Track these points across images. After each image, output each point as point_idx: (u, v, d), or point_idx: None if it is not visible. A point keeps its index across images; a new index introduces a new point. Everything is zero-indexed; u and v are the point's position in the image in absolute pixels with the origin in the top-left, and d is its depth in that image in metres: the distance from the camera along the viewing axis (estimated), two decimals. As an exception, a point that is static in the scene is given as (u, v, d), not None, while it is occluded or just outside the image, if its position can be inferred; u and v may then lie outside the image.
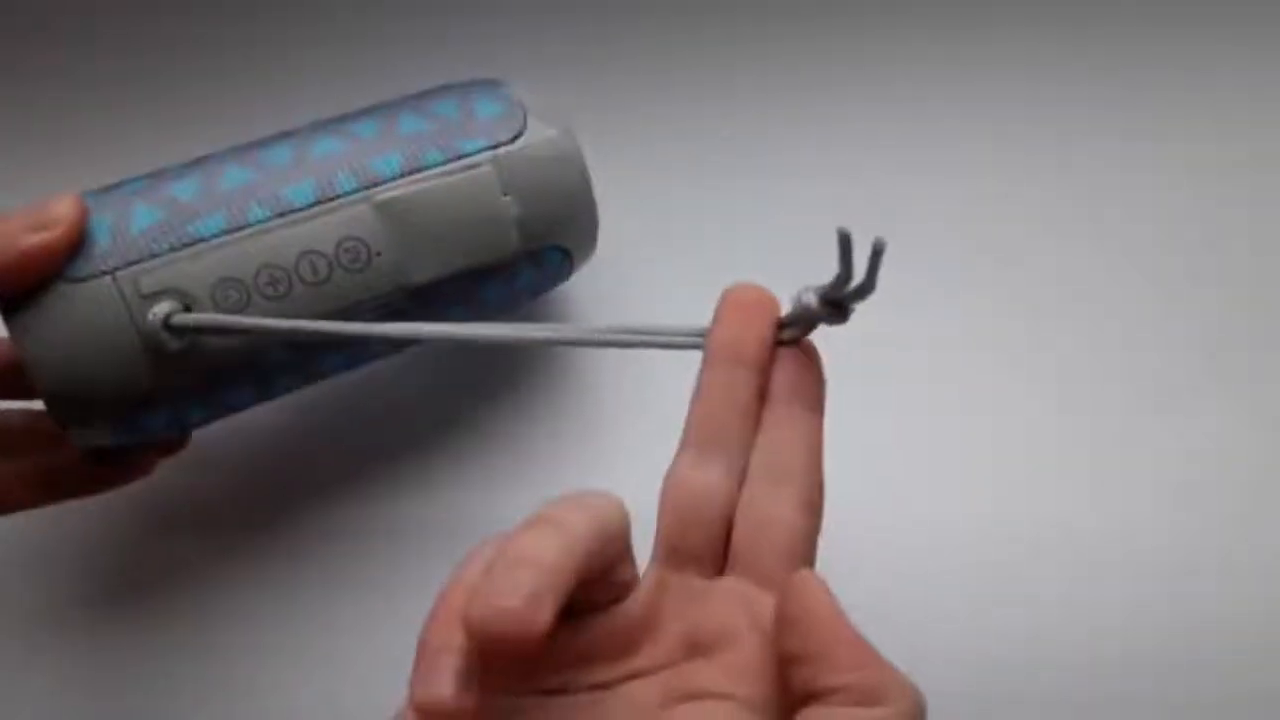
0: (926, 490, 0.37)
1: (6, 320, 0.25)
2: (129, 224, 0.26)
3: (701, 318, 0.24)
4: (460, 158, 0.28)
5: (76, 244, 0.25)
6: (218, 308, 0.26)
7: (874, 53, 0.43)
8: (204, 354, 0.26)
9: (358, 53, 0.41)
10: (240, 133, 0.30)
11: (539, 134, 0.29)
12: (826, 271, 0.21)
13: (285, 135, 0.29)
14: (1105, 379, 0.39)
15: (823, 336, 0.24)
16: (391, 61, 0.41)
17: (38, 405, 0.27)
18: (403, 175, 0.28)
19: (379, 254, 0.27)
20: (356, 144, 0.28)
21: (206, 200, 0.27)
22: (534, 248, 0.30)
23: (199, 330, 0.26)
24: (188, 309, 0.26)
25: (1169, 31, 0.43)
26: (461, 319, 0.28)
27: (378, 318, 0.28)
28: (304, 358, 0.29)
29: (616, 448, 0.37)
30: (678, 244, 0.40)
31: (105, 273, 0.25)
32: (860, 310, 0.23)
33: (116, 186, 0.28)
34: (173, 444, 0.31)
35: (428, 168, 0.28)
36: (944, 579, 0.36)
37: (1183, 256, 0.40)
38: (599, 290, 0.38)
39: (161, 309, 0.25)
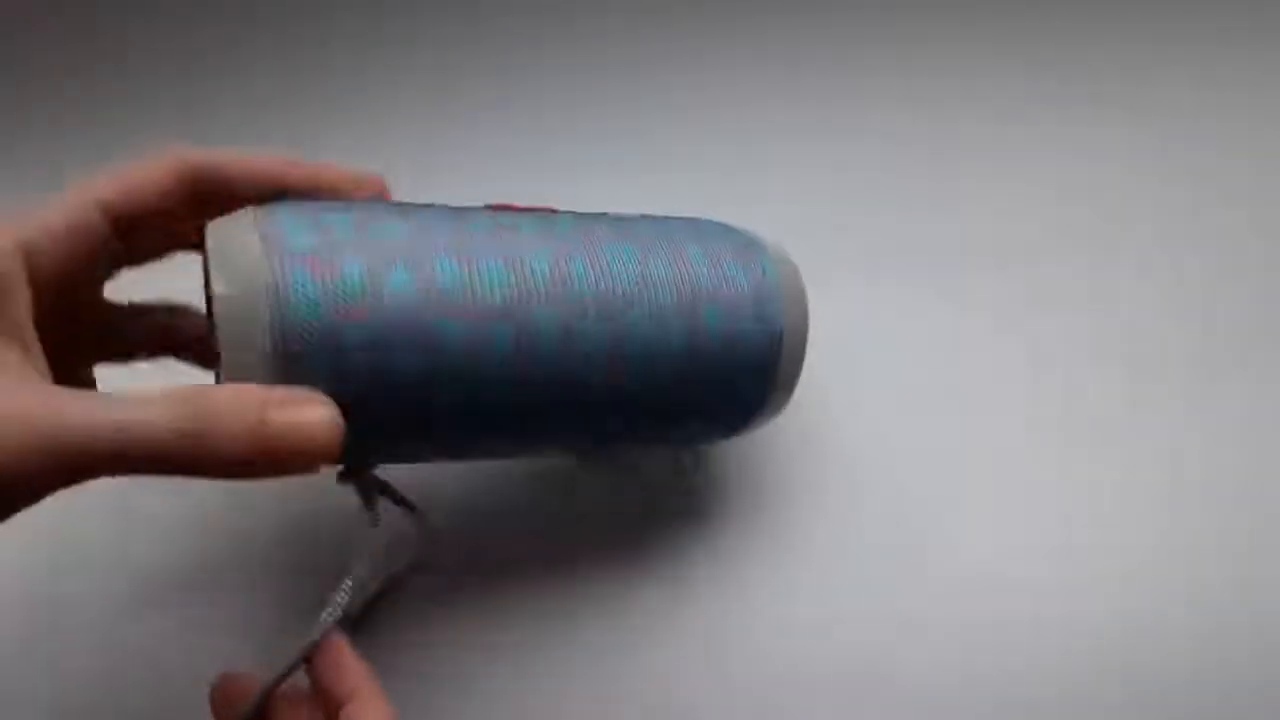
0: (930, 496, 0.37)
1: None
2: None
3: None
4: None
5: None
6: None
7: (881, 59, 0.43)
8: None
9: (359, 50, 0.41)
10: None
11: (782, 256, 0.31)
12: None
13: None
14: (1106, 390, 0.39)
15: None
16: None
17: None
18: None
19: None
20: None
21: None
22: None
23: None
24: None
25: (1174, 35, 0.43)
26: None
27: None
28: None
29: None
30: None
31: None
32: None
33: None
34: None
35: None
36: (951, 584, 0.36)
37: (1182, 262, 0.40)
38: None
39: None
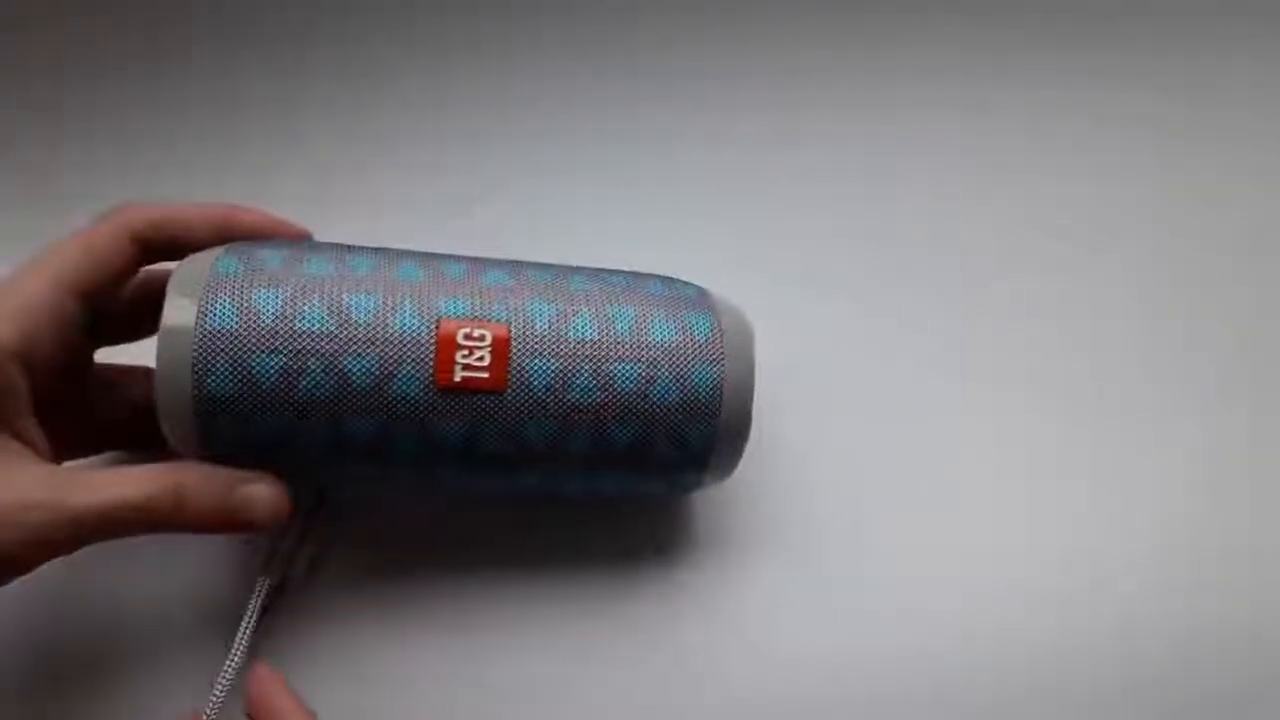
0: (933, 504, 0.37)
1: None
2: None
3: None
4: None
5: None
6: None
7: (886, 68, 0.43)
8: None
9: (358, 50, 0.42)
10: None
11: (731, 313, 0.30)
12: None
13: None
14: (1107, 397, 0.39)
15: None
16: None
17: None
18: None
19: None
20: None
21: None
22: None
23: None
24: None
25: (1178, 46, 0.43)
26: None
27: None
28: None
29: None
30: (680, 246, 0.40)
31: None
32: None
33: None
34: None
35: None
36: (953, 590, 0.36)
37: (1183, 272, 0.41)
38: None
39: None
